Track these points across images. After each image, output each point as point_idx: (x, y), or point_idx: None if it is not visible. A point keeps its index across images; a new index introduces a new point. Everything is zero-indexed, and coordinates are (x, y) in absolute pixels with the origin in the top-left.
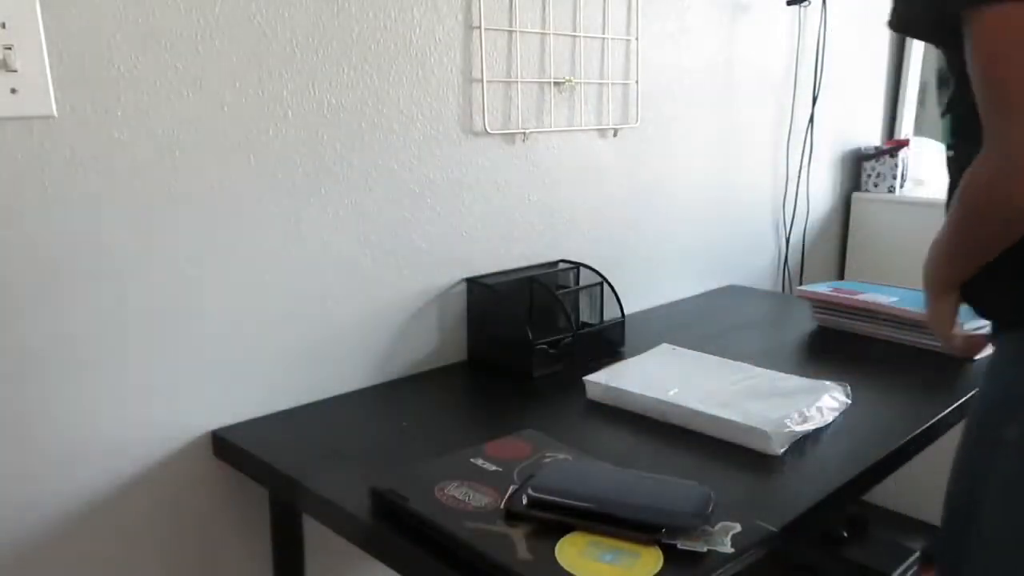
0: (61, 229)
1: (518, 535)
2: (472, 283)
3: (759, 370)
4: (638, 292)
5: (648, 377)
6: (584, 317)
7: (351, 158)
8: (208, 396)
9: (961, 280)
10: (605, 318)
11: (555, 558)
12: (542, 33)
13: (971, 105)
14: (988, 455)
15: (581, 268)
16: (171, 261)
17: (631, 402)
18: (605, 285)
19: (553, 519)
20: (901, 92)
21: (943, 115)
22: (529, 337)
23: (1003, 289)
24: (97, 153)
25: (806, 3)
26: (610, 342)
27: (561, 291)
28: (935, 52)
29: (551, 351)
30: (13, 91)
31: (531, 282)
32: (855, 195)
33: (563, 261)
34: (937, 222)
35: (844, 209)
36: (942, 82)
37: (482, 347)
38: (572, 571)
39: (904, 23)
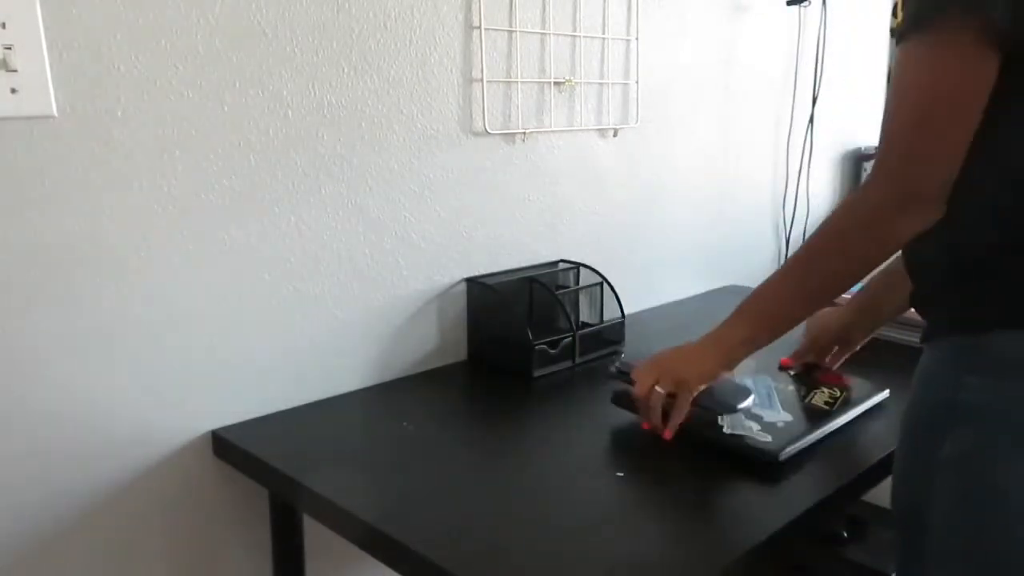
0: (61, 229)
1: None
2: (472, 283)
3: None
4: (638, 292)
5: None
6: (584, 317)
7: (351, 158)
8: (208, 396)
9: (790, 326)
10: (605, 318)
11: None
12: (542, 33)
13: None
14: (926, 474)
15: (581, 268)
16: (171, 261)
17: None
18: (605, 285)
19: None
20: None
21: None
22: (529, 337)
23: (947, 294)
24: (97, 153)
25: (806, 3)
26: (610, 342)
27: (561, 291)
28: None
29: (551, 351)
30: (13, 91)
31: (531, 282)
32: None
33: (563, 261)
34: None
35: None
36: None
37: (482, 347)
38: None
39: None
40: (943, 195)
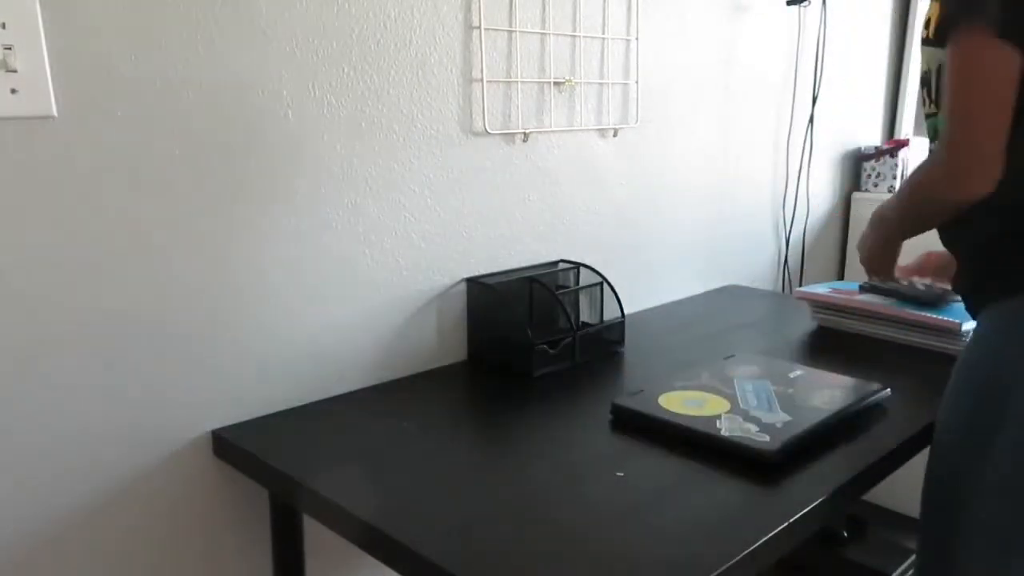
0: (61, 230)
1: None
2: (472, 283)
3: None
4: (638, 292)
5: None
6: (584, 317)
7: (351, 158)
8: (208, 396)
9: (909, 235)
10: (605, 318)
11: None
12: (542, 33)
13: None
14: (998, 420)
15: (581, 268)
16: (170, 261)
17: None
18: (605, 285)
19: None
20: (901, 92)
21: (930, 116)
22: (529, 337)
23: (992, 267)
24: (97, 153)
25: (806, 3)
26: (610, 342)
27: (561, 291)
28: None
29: (551, 351)
30: (13, 91)
31: (531, 282)
32: (855, 195)
33: (563, 261)
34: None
35: (844, 209)
36: (924, 83)
37: (482, 347)
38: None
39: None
40: (991, 168)
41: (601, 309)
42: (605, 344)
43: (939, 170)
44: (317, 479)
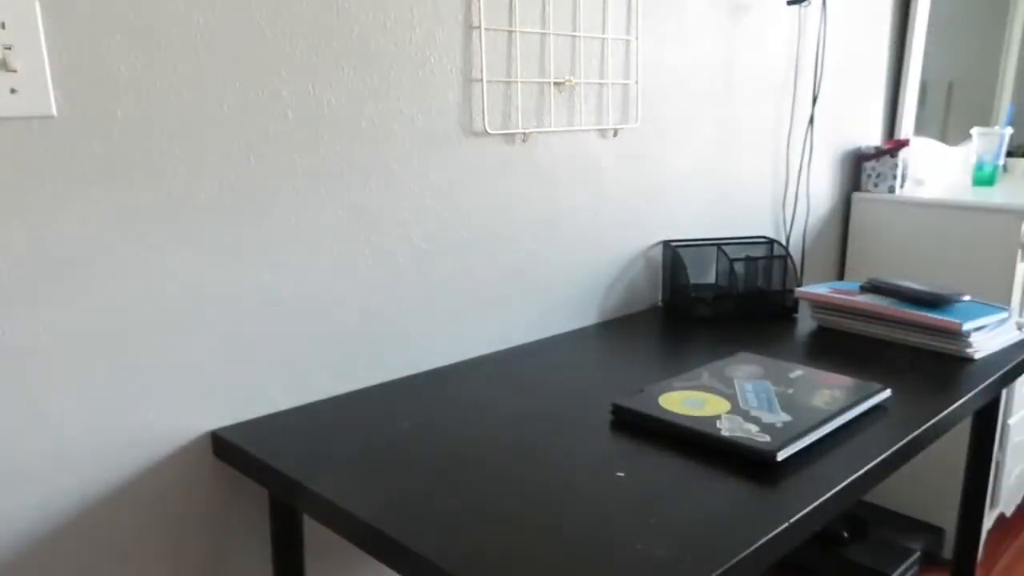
0: (61, 229)
1: None
2: (667, 244)
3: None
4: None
5: None
6: (760, 284)
7: (351, 158)
8: (208, 396)
9: None
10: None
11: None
12: (542, 33)
13: None
14: None
15: (774, 244)
16: (171, 261)
17: None
18: (788, 260)
19: None
20: (901, 92)
21: None
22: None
23: None
24: (97, 153)
25: (806, 3)
26: (772, 308)
27: (742, 261)
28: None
29: (709, 303)
30: (13, 91)
31: (718, 248)
32: (855, 195)
33: (763, 237)
34: (937, 222)
35: (844, 209)
36: None
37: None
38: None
39: None
40: None
41: (779, 280)
42: (768, 310)
43: None
44: (317, 479)
